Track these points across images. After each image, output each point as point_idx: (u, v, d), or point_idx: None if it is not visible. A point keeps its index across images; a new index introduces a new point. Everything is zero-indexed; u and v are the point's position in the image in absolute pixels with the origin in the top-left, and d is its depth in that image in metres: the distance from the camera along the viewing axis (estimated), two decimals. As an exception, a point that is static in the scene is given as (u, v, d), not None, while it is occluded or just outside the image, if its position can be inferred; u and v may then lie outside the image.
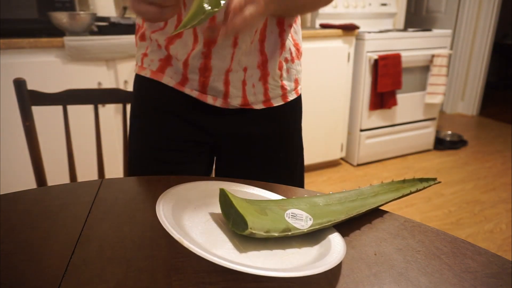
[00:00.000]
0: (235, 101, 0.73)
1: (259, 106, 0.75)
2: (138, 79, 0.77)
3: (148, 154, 0.77)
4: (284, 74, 0.76)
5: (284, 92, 0.77)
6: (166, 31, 0.69)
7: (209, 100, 0.73)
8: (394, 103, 2.55)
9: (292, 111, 0.81)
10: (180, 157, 0.77)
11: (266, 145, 0.79)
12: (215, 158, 0.84)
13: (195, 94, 0.72)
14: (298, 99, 0.82)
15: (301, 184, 0.88)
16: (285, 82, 0.76)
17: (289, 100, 0.78)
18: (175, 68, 0.72)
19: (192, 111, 0.74)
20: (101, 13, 2.05)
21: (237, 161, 0.81)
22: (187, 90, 0.72)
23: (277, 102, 0.77)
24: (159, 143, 0.76)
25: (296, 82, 0.80)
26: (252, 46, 0.68)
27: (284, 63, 0.75)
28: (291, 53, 0.75)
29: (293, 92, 0.79)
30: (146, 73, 0.74)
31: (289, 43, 0.74)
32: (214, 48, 0.66)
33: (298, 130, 0.84)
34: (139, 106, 0.79)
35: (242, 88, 0.72)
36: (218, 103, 0.73)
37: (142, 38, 0.74)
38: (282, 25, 0.70)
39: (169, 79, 0.73)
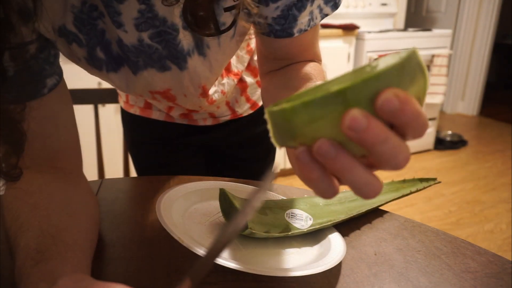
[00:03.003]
0: (225, 118, 0.74)
1: (248, 112, 0.76)
2: (127, 115, 0.76)
3: (150, 171, 0.80)
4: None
5: None
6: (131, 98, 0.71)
7: (200, 122, 0.73)
8: (394, 103, 2.54)
9: None
10: (178, 158, 0.78)
11: (261, 141, 0.81)
12: (213, 158, 0.85)
13: (185, 121, 0.73)
14: None
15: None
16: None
17: None
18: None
19: (186, 133, 0.75)
20: (101, 13, 2.05)
21: (234, 161, 0.82)
22: (177, 120, 0.73)
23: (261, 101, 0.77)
24: (159, 164, 0.78)
25: None
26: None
27: (255, 65, 0.74)
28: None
29: None
30: (136, 111, 0.74)
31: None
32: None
33: None
34: (132, 139, 0.79)
35: (227, 107, 0.73)
36: (209, 122, 0.74)
37: None
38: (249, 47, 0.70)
39: (158, 113, 0.73)
